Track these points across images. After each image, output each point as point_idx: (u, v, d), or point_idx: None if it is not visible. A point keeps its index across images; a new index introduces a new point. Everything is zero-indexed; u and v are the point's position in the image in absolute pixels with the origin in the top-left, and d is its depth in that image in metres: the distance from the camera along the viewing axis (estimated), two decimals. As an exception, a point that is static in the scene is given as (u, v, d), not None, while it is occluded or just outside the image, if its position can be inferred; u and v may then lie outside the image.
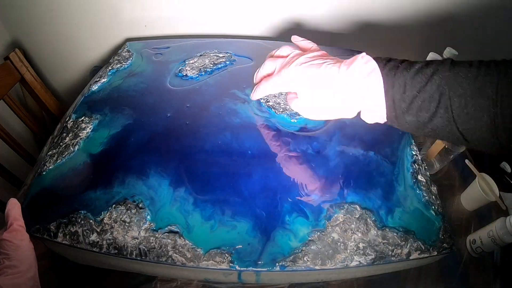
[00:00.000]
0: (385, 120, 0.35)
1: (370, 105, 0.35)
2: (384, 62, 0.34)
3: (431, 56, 0.58)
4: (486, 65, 0.30)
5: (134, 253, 0.35)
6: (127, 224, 0.36)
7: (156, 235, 0.36)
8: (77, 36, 0.74)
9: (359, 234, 0.38)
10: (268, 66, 0.43)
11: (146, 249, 0.35)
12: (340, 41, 0.78)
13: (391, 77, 0.32)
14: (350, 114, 0.37)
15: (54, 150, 0.43)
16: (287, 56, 0.41)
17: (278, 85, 0.40)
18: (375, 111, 0.35)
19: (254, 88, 0.44)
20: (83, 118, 0.47)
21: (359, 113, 0.38)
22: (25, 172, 0.66)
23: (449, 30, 0.75)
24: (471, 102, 0.29)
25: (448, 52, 0.66)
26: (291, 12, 0.73)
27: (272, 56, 0.44)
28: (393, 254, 0.37)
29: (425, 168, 0.46)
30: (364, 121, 0.37)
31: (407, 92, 0.31)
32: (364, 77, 0.33)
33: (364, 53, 0.35)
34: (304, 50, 0.43)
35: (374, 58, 0.34)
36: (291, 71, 0.38)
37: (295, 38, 0.46)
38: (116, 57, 0.60)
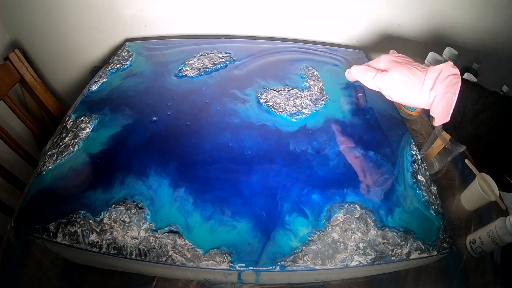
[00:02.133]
0: (448, 119, 0.37)
1: (441, 101, 0.37)
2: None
3: (431, 56, 0.58)
4: None
5: (134, 253, 0.35)
6: (126, 224, 0.36)
7: (156, 235, 0.36)
8: (77, 37, 0.74)
9: (359, 234, 0.38)
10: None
11: (145, 249, 0.35)
12: (340, 41, 0.78)
13: (469, 88, 0.36)
14: (425, 105, 0.39)
15: (54, 150, 0.43)
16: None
17: (376, 64, 0.44)
18: (444, 108, 0.37)
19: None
20: (82, 118, 0.47)
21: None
22: (25, 172, 0.66)
23: (449, 30, 0.75)
24: None
25: (448, 52, 0.66)
26: (291, 12, 0.73)
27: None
28: (393, 254, 0.37)
29: (425, 168, 0.46)
30: (432, 116, 0.40)
31: (478, 105, 0.35)
32: (446, 77, 0.37)
33: (453, 65, 0.39)
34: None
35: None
36: (388, 56, 0.43)
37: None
38: (116, 57, 0.60)
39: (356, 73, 0.46)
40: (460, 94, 0.36)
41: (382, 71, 0.42)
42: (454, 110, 0.36)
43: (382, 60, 0.43)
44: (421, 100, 0.39)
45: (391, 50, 0.50)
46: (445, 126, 0.39)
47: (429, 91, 0.38)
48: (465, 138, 0.38)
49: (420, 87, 0.38)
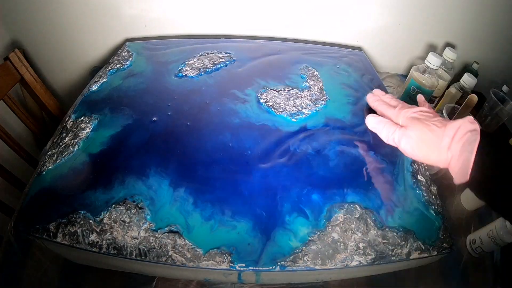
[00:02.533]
0: (467, 179, 0.35)
1: (458, 161, 0.36)
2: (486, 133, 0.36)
3: (431, 56, 0.58)
4: None
5: (134, 253, 0.35)
6: (126, 224, 0.36)
7: (156, 235, 0.36)
8: (77, 36, 0.74)
9: (359, 234, 0.38)
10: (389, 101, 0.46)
11: (145, 249, 0.35)
12: (339, 39, 0.78)
13: (490, 143, 0.34)
14: (443, 164, 0.38)
15: (54, 150, 0.43)
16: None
17: (395, 118, 0.43)
18: (462, 169, 0.35)
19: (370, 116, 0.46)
20: (82, 118, 0.47)
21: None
22: (25, 172, 0.66)
23: (450, 29, 0.75)
24: None
25: (448, 52, 0.67)
26: (291, 12, 0.73)
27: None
28: (393, 254, 0.37)
29: (425, 168, 0.46)
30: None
31: (498, 161, 0.33)
32: (464, 134, 0.35)
33: (471, 117, 0.37)
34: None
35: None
36: (407, 111, 0.41)
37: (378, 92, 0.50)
38: (116, 57, 0.60)
39: (373, 124, 0.45)
40: (479, 152, 0.34)
41: (401, 126, 0.41)
42: (473, 169, 0.34)
43: (402, 116, 0.42)
44: (439, 159, 0.37)
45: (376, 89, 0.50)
46: (469, 186, 0.36)
47: (447, 150, 0.36)
48: (488, 198, 0.36)
49: (438, 147, 0.37)
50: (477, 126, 0.36)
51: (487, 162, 0.33)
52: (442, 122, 0.38)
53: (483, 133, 0.35)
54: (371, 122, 0.45)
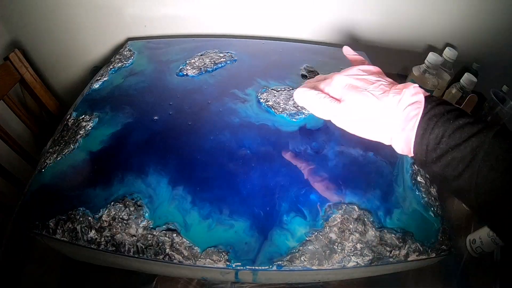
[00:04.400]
0: (411, 154, 0.33)
1: (402, 139, 0.33)
2: (433, 104, 0.31)
3: (431, 56, 0.58)
4: None
5: (132, 251, 0.35)
6: (125, 221, 0.36)
7: (154, 233, 0.36)
8: (77, 36, 0.74)
9: (357, 235, 0.38)
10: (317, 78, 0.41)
11: (143, 247, 0.35)
12: (339, 40, 0.78)
13: (432, 123, 0.30)
14: (385, 140, 0.35)
15: (54, 148, 0.43)
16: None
17: (328, 88, 0.37)
18: (404, 147, 0.33)
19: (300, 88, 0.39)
20: (83, 116, 0.47)
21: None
22: (24, 172, 0.67)
23: (449, 29, 0.75)
24: (500, 178, 0.26)
25: (448, 52, 0.66)
26: (291, 12, 0.73)
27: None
28: (391, 255, 0.37)
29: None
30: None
31: (441, 145, 0.30)
32: (405, 111, 0.32)
33: (416, 86, 0.33)
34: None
35: (426, 97, 0.32)
36: (341, 77, 0.36)
37: (347, 50, 0.44)
38: (117, 56, 0.60)
39: (301, 99, 0.38)
40: (420, 130, 0.31)
41: (335, 100, 0.36)
42: (415, 147, 0.32)
43: (335, 84, 0.36)
44: (380, 137, 0.34)
45: (345, 47, 0.44)
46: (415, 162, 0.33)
47: (387, 128, 0.33)
48: (436, 181, 0.32)
49: (378, 123, 0.33)
50: (420, 98, 0.32)
51: (430, 144, 0.30)
52: (383, 89, 0.34)
53: (427, 107, 0.31)
54: (297, 96, 0.38)
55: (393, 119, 0.32)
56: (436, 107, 0.31)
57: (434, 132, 0.30)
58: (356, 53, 0.44)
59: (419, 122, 0.31)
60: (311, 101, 0.37)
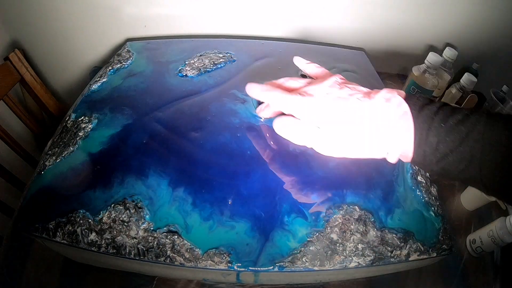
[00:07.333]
0: (411, 156, 0.33)
1: (397, 150, 0.33)
2: (418, 107, 0.31)
3: (431, 56, 0.58)
4: None
5: (133, 253, 0.35)
6: (125, 223, 0.36)
7: (155, 235, 0.36)
8: (77, 37, 0.74)
9: (358, 235, 0.38)
10: (289, 82, 0.38)
11: (144, 249, 0.35)
12: (339, 39, 0.78)
13: (425, 130, 0.30)
14: (377, 155, 0.34)
15: (54, 150, 0.43)
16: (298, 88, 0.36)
17: (295, 106, 0.34)
18: (402, 156, 0.33)
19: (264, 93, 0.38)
20: (82, 117, 0.47)
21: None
22: (25, 172, 0.67)
23: (449, 29, 0.75)
24: (501, 166, 0.27)
25: (448, 52, 0.66)
26: (291, 12, 0.73)
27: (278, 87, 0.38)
28: (392, 255, 0.37)
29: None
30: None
31: (439, 150, 0.30)
32: (395, 122, 0.31)
33: (395, 93, 0.33)
34: (313, 76, 0.39)
35: (406, 98, 0.32)
36: (316, 100, 0.33)
37: (299, 61, 0.41)
38: (116, 57, 0.60)
39: (283, 129, 0.37)
40: (417, 137, 0.31)
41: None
42: (413, 155, 0.32)
43: (315, 113, 0.34)
44: (370, 155, 0.34)
45: (296, 57, 0.41)
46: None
47: (377, 139, 0.32)
48: (435, 175, 0.33)
49: (363, 144, 0.33)
50: (404, 107, 0.31)
51: (427, 151, 0.30)
52: (358, 106, 0.32)
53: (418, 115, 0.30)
54: (281, 125, 0.37)
55: (385, 131, 0.32)
56: (422, 110, 0.31)
57: (430, 139, 0.30)
58: (309, 62, 0.41)
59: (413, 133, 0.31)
60: (291, 130, 0.36)
